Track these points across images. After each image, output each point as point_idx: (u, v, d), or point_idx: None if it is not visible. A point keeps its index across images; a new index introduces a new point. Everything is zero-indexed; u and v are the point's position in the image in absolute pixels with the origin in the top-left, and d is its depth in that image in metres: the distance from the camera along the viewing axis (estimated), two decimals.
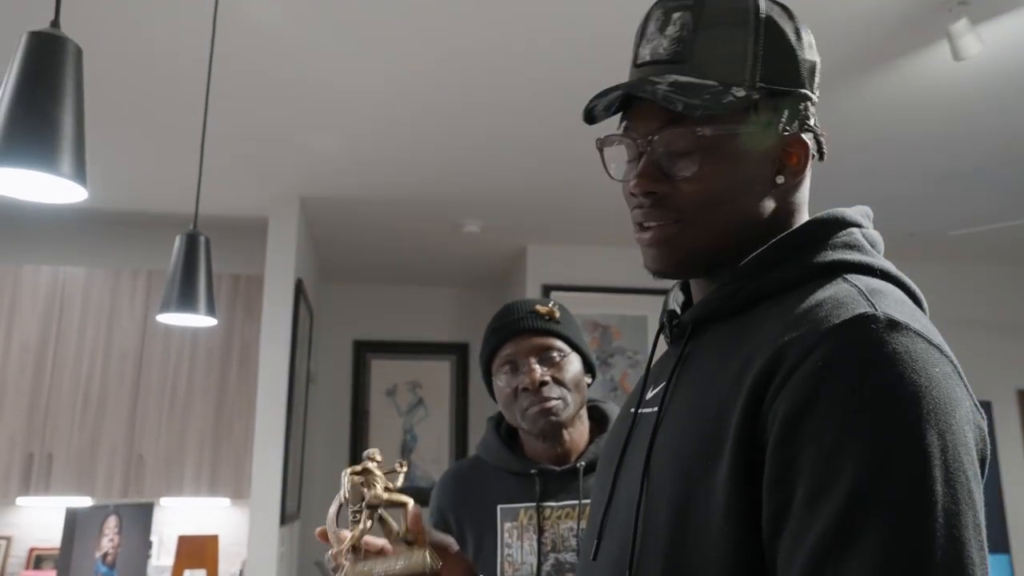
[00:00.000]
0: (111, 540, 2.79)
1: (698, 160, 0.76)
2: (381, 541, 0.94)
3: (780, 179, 0.79)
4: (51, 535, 3.83)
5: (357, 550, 0.91)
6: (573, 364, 1.41)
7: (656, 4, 0.81)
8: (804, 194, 0.83)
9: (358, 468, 0.96)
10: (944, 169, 3.57)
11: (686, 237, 0.78)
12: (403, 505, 0.95)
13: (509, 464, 1.43)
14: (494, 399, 1.46)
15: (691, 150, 0.76)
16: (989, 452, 0.68)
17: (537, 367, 1.38)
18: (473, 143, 3.30)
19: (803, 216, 0.82)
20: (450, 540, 1.15)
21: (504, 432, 1.50)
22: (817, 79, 0.81)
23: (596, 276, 4.60)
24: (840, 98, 2.91)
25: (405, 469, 0.99)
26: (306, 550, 4.71)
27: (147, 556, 3.09)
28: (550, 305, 1.43)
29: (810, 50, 0.80)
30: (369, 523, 0.93)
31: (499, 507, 1.40)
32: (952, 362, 0.66)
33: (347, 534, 0.94)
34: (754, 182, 0.78)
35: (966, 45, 2.33)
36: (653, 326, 4.55)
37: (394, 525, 0.94)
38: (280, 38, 2.52)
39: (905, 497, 0.58)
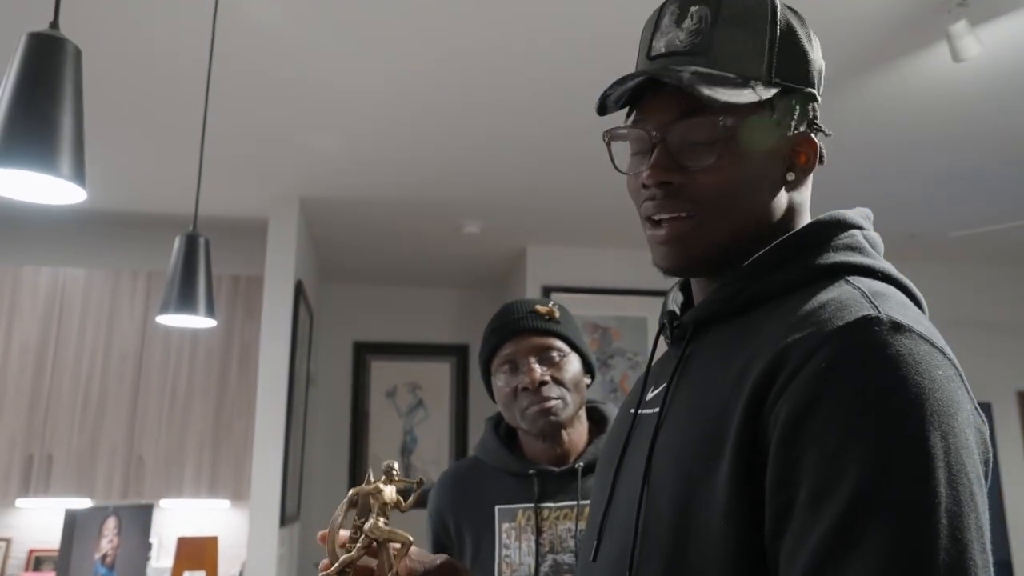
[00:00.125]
0: (110, 541, 2.79)
1: (717, 150, 0.76)
2: (374, 563, 0.93)
3: (791, 176, 0.79)
4: (51, 537, 3.83)
5: (345, 574, 0.90)
6: (573, 364, 1.41)
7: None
8: (807, 195, 0.83)
9: (368, 488, 0.94)
10: (944, 170, 3.57)
11: (702, 232, 0.77)
12: (402, 544, 0.93)
13: (508, 465, 1.43)
14: (493, 399, 1.46)
15: (712, 140, 0.76)
16: (991, 455, 0.68)
17: (537, 367, 1.38)
18: (473, 144, 3.30)
19: (804, 218, 0.83)
20: None
21: (503, 433, 1.50)
22: (823, 84, 0.83)
23: (596, 277, 4.60)
24: (840, 99, 2.91)
25: (422, 487, 0.98)
26: (306, 552, 4.71)
27: (146, 557, 3.08)
28: (550, 305, 1.43)
29: (818, 54, 0.82)
30: (363, 552, 0.91)
31: (497, 508, 1.40)
32: (954, 365, 0.66)
33: (346, 534, 0.93)
34: (767, 177, 0.78)
35: (965, 46, 2.33)
36: (653, 327, 4.55)
37: (389, 560, 0.92)
38: (280, 38, 2.52)
39: (908, 499, 0.58)
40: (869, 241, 0.78)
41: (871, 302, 0.67)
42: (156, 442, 3.74)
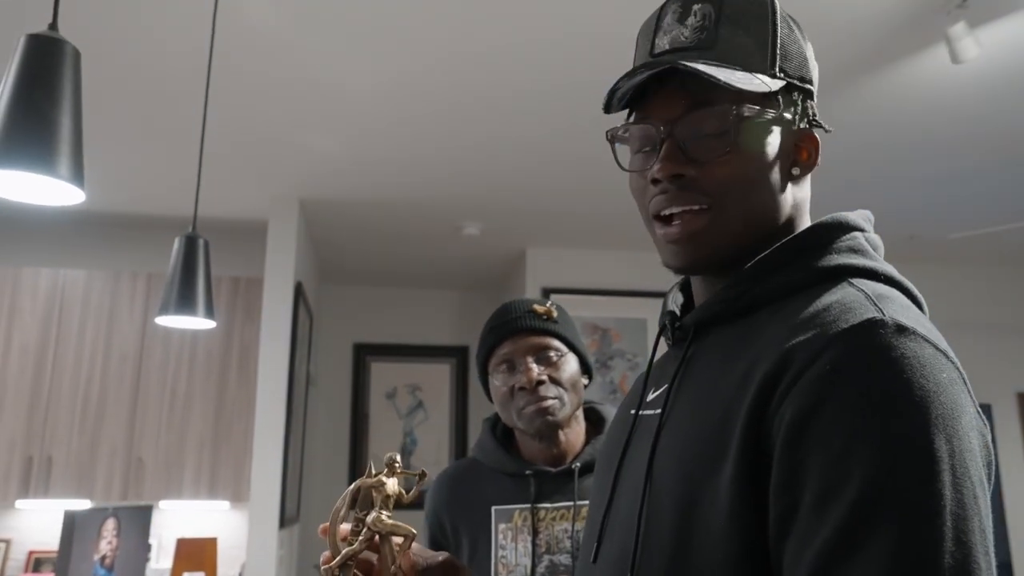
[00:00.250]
0: (109, 543, 2.79)
1: (730, 141, 0.76)
2: (374, 557, 0.93)
3: (796, 171, 0.80)
4: (50, 538, 3.82)
5: (347, 567, 0.89)
6: (570, 364, 1.41)
7: None
8: (808, 194, 0.83)
9: (371, 480, 0.93)
10: (944, 172, 3.57)
11: (715, 226, 0.77)
12: (404, 537, 0.92)
13: (504, 465, 1.43)
14: (490, 399, 1.46)
15: (722, 131, 0.76)
16: (994, 458, 0.68)
17: (534, 366, 1.37)
18: (473, 144, 3.30)
19: (806, 216, 0.83)
20: None
21: (500, 433, 1.50)
22: (817, 86, 0.84)
23: (596, 279, 4.60)
24: (839, 101, 2.91)
25: (426, 479, 0.97)
26: (305, 553, 4.70)
27: (146, 559, 3.08)
28: (548, 305, 1.43)
29: (812, 54, 0.84)
30: (365, 545, 0.90)
31: (493, 508, 1.40)
32: (958, 368, 0.66)
33: (346, 527, 0.93)
34: (776, 171, 0.78)
35: (964, 48, 2.33)
36: (652, 329, 4.55)
37: (392, 554, 0.91)
38: (280, 38, 2.52)
39: (913, 501, 0.58)
40: (870, 243, 0.78)
41: (875, 305, 0.67)
42: (156, 443, 3.74)
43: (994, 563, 0.60)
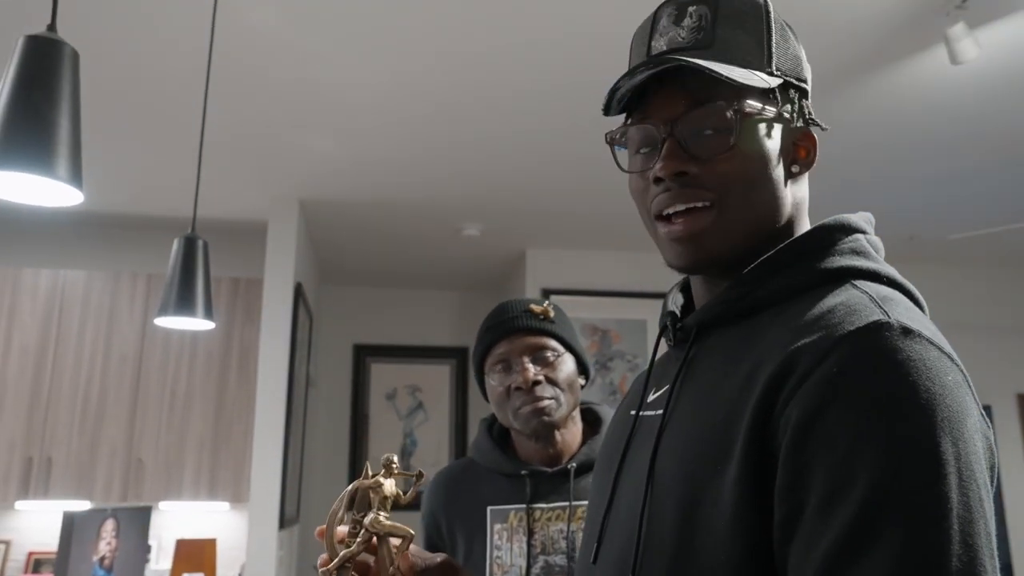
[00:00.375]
0: (108, 544, 2.79)
1: (733, 137, 0.76)
2: (372, 559, 0.92)
3: (795, 168, 0.80)
4: (50, 539, 3.82)
5: (345, 569, 0.89)
6: (567, 364, 1.41)
7: (666, 2, 0.82)
8: (806, 193, 0.83)
9: (368, 482, 0.92)
10: (943, 172, 3.57)
11: (720, 223, 0.77)
12: (402, 538, 0.92)
13: (500, 465, 1.42)
14: (486, 399, 1.46)
15: (724, 127, 0.76)
16: (997, 461, 0.67)
17: (530, 366, 1.37)
18: (473, 145, 3.30)
19: (805, 216, 0.83)
20: None
21: (496, 433, 1.50)
22: (811, 87, 0.85)
23: (595, 280, 4.60)
24: (839, 101, 2.91)
25: (423, 480, 0.97)
26: (305, 554, 4.70)
27: (145, 560, 3.08)
28: (545, 305, 1.43)
29: (804, 58, 0.84)
30: (363, 547, 0.90)
31: (489, 509, 1.39)
32: (962, 371, 0.66)
33: (344, 529, 0.92)
34: (777, 167, 0.78)
35: (963, 49, 2.32)
36: (652, 330, 4.55)
37: (390, 555, 0.91)
38: (279, 39, 2.52)
39: (919, 504, 0.58)
40: (872, 245, 0.78)
41: (880, 307, 0.67)
42: (155, 444, 3.74)
43: (998, 566, 0.60)
